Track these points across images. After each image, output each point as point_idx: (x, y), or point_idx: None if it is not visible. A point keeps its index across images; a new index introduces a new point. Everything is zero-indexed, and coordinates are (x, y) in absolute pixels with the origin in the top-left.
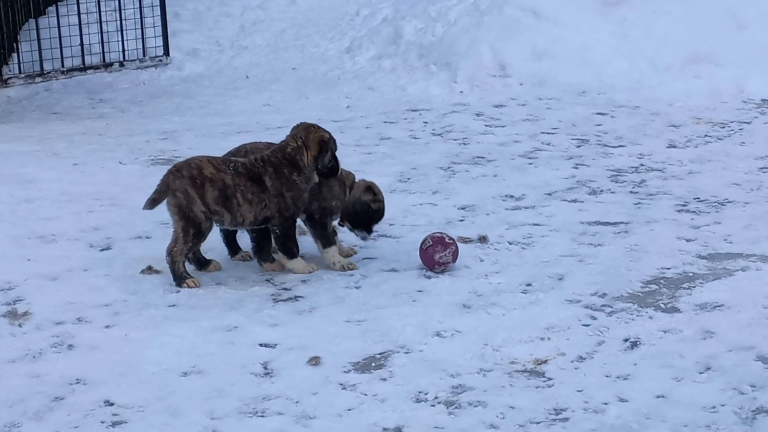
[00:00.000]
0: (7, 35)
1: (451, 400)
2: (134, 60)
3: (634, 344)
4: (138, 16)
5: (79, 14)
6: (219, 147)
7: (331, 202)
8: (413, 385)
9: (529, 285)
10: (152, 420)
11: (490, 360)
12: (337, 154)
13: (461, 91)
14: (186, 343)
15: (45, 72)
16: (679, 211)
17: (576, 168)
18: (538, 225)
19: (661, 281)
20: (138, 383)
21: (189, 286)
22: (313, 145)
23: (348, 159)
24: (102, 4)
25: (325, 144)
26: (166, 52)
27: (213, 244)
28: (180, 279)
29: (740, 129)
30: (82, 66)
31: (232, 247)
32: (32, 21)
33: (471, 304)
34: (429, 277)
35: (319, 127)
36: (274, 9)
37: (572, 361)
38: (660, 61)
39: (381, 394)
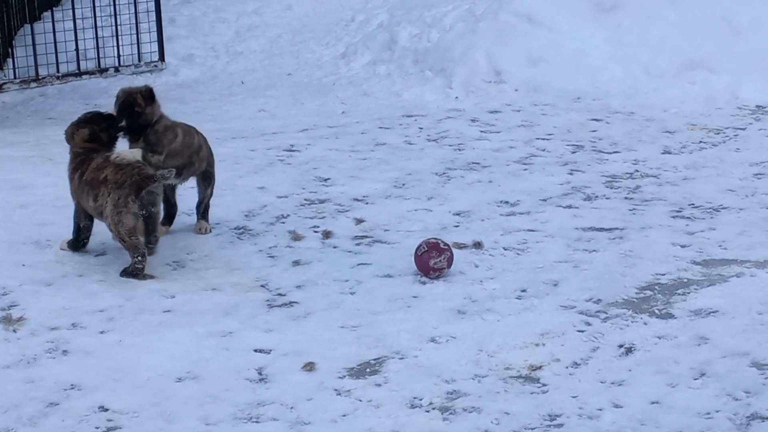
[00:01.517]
0: (2, 40)
1: (446, 406)
2: (129, 65)
3: (629, 350)
4: (133, 21)
5: (74, 19)
6: (215, 152)
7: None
8: (408, 391)
9: (523, 291)
10: (147, 425)
11: (485, 366)
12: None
13: (456, 97)
14: (181, 348)
15: (40, 77)
16: (673, 217)
17: (571, 174)
18: (533, 231)
19: (656, 287)
20: (133, 389)
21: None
22: (84, 144)
23: (343, 165)
24: (97, 9)
25: (94, 134)
26: (162, 58)
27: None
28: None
29: (735, 135)
30: (77, 71)
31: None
32: (27, 26)
33: (466, 309)
34: (424, 283)
35: (77, 125)
36: (270, 15)
37: (567, 367)
38: (655, 67)
39: (376, 399)
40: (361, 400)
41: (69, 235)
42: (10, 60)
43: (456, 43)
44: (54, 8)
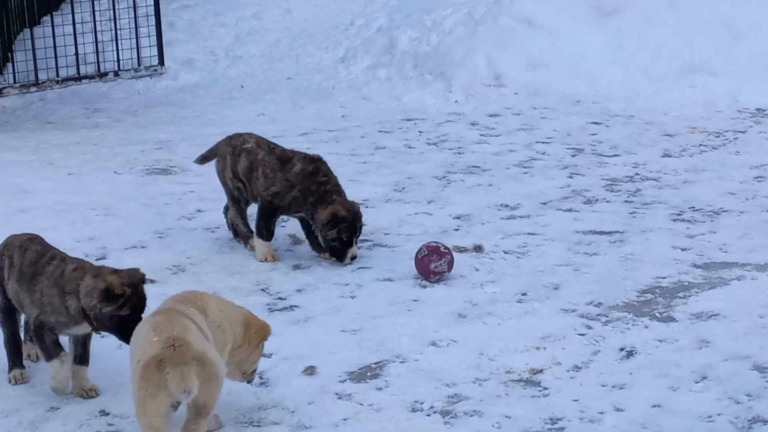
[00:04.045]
0: (1, 45)
1: (447, 410)
2: (129, 70)
3: (630, 353)
4: (133, 25)
5: (74, 24)
6: None
7: None
8: (409, 395)
9: (524, 294)
10: None
11: (486, 369)
12: None
13: (456, 101)
14: None
15: (40, 82)
16: (674, 220)
17: (571, 177)
18: (533, 234)
19: (657, 290)
20: None
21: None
22: None
23: (343, 168)
24: (97, 13)
25: None
26: (161, 62)
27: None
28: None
29: (735, 138)
30: (77, 76)
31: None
32: (27, 31)
33: (466, 313)
34: (424, 287)
35: None
36: (269, 19)
37: (568, 371)
38: (654, 70)
39: (377, 403)
40: (362, 404)
41: (74, 240)
42: (9, 64)
43: (456, 46)
44: (53, 12)
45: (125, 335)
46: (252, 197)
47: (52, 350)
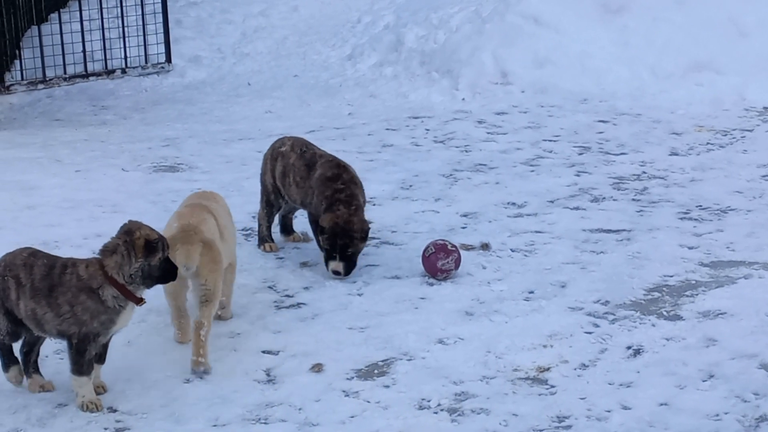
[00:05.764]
0: (9, 42)
1: (454, 408)
2: (136, 67)
3: (637, 352)
4: (140, 23)
5: (81, 21)
6: (221, 154)
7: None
8: (416, 392)
9: (531, 292)
10: (156, 426)
11: (493, 367)
12: None
13: (463, 99)
14: (189, 349)
15: (47, 79)
16: (681, 218)
17: (578, 175)
18: (540, 232)
19: (664, 289)
20: (141, 390)
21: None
22: None
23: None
24: (104, 11)
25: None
26: (168, 59)
27: None
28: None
29: (742, 137)
30: (84, 73)
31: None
32: (35, 28)
33: (473, 311)
34: (431, 284)
35: None
36: (276, 16)
37: (575, 369)
38: (661, 68)
39: (384, 401)
40: (369, 402)
41: (81, 237)
42: (17, 61)
43: (463, 44)
44: (61, 10)
45: (172, 272)
46: (287, 202)
47: (86, 367)
